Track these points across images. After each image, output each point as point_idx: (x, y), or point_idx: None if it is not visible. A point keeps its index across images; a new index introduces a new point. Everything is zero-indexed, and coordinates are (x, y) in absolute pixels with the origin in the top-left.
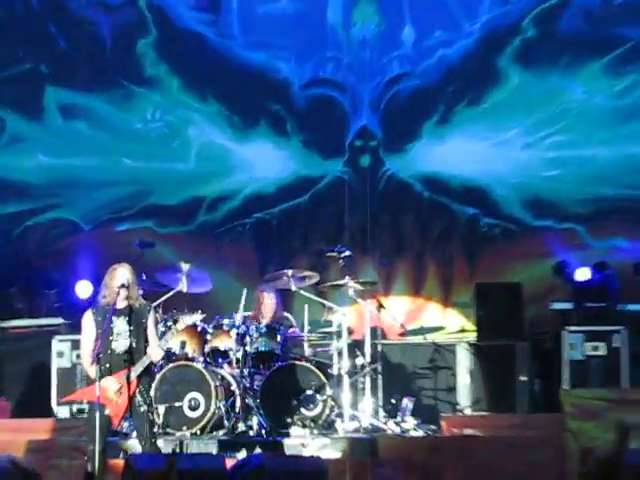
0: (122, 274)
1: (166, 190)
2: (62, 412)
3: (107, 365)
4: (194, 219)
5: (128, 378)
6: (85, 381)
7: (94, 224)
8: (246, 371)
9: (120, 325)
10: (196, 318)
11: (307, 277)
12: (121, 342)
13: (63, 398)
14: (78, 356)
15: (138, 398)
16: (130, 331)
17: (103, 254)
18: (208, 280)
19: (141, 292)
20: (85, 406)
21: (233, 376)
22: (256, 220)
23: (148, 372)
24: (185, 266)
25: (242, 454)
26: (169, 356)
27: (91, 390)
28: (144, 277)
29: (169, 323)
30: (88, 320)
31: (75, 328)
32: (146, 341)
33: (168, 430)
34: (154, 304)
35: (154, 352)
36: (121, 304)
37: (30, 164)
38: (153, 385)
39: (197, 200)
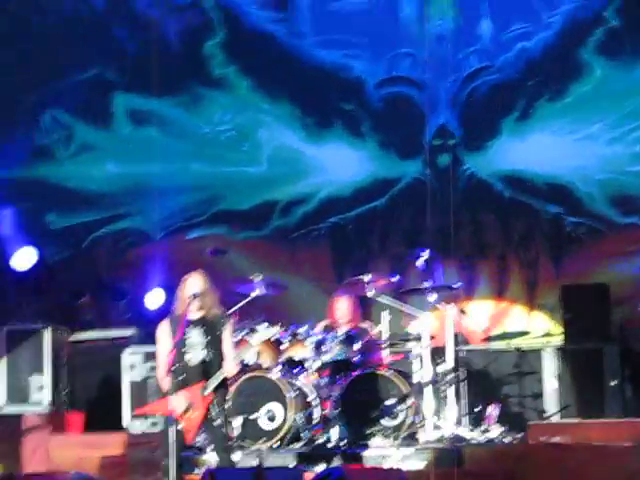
0: (194, 284)
1: (238, 195)
2: (134, 427)
3: (181, 378)
4: (268, 224)
5: (203, 392)
6: (157, 395)
7: (165, 232)
8: (323, 381)
9: (194, 337)
10: (274, 332)
11: (385, 282)
12: (195, 354)
13: (136, 411)
14: (151, 369)
15: (212, 412)
16: (206, 343)
17: (174, 263)
18: (283, 286)
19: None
20: (158, 420)
21: (310, 386)
22: (332, 224)
23: (223, 385)
24: (258, 277)
25: (321, 467)
26: (243, 367)
27: (165, 403)
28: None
29: (243, 333)
30: (163, 331)
31: (146, 339)
32: (222, 353)
33: (244, 443)
34: (228, 312)
35: (228, 367)
36: (195, 315)
37: (99, 173)
38: (228, 398)
39: (270, 204)
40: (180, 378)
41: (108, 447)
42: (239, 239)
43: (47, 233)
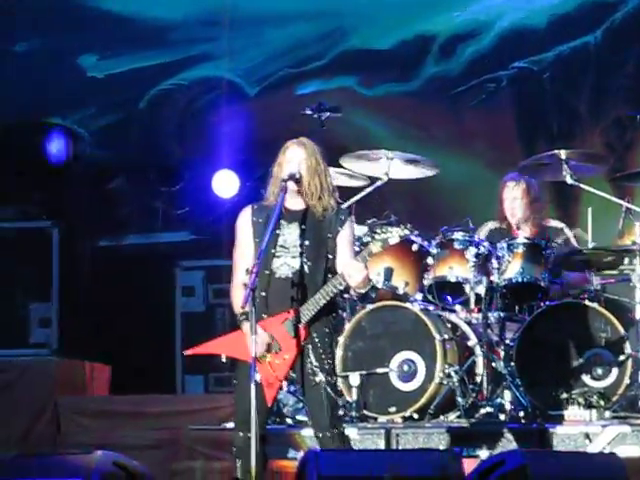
0: (297, 157)
1: (374, 27)
2: (192, 384)
3: (263, 293)
4: (418, 72)
5: (296, 323)
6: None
7: (262, 85)
8: (493, 316)
9: (289, 235)
10: (399, 234)
11: (595, 161)
12: (287, 261)
13: (189, 350)
14: (218, 293)
15: (311, 360)
16: (306, 247)
17: (272, 132)
18: (432, 166)
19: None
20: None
21: (471, 324)
22: (518, 72)
23: (331, 315)
24: (389, 154)
25: (488, 450)
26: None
27: (236, 341)
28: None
29: (365, 239)
30: (245, 223)
31: (212, 248)
32: (328, 271)
33: (366, 412)
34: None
35: (351, 268)
36: (295, 203)
37: None
38: (340, 340)
39: (422, 41)
40: (262, 294)
41: (149, 416)
42: (373, 96)
43: (81, 84)
